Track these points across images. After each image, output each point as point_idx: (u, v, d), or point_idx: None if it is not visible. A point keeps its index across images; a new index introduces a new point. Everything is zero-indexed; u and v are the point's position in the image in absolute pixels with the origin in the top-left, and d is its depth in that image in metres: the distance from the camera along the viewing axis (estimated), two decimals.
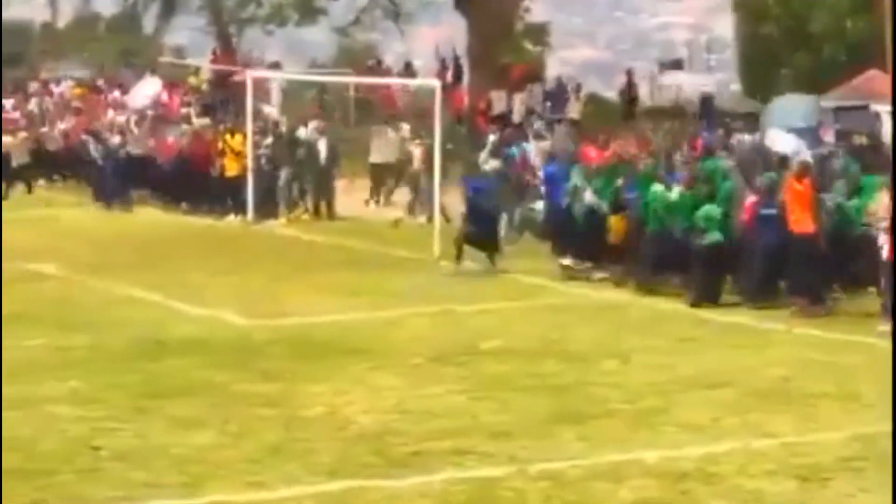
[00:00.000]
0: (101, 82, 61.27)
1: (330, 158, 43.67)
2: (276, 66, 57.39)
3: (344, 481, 17.30)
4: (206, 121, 50.27)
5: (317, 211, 43.49)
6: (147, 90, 55.50)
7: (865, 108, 43.82)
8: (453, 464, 18.12)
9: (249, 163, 42.69)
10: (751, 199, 29.58)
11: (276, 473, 17.75)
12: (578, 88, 50.23)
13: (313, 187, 43.80)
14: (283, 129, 45.60)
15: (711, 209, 29.34)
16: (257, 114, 45.89)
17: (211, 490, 17.07)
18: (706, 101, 48.81)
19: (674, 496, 16.66)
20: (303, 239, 38.96)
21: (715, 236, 29.03)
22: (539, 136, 42.69)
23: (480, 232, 33.07)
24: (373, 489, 17.09)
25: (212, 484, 17.31)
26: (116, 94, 58.19)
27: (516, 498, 16.72)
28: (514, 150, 39.57)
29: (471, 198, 34.10)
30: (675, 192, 30.28)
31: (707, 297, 28.87)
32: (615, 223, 31.54)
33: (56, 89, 60.97)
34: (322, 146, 43.73)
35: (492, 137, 39.84)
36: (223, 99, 54.73)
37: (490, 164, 37.77)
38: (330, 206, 43.80)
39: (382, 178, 46.35)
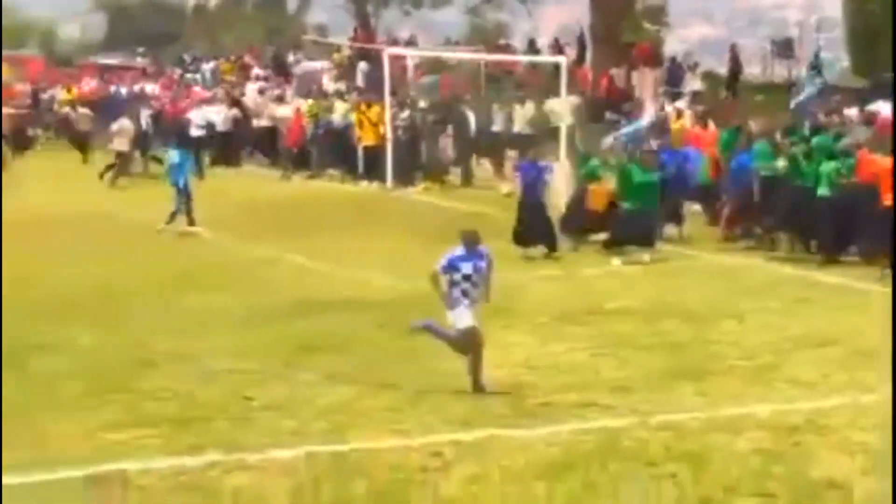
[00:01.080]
0: (247, 59, 61.45)
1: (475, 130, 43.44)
2: (411, 43, 57.35)
3: (478, 430, 17.41)
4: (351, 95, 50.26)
5: (469, 180, 43.17)
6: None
7: None
8: (578, 415, 18.18)
9: (389, 133, 42.70)
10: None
11: (415, 422, 17.88)
12: (695, 66, 49.96)
13: (460, 157, 43.59)
14: (422, 103, 45.55)
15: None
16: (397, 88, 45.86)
17: (354, 437, 17.21)
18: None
19: (787, 448, 16.62)
20: (439, 205, 38.93)
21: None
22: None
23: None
24: (505, 438, 17.19)
25: (354, 432, 17.47)
26: (258, 70, 58.49)
27: (638, 447, 16.74)
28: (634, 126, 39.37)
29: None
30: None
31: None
32: None
33: (206, 66, 61.43)
34: (471, 119, 43.59)
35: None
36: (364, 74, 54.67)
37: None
38: (467, 174, 43.62)
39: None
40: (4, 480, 15.12)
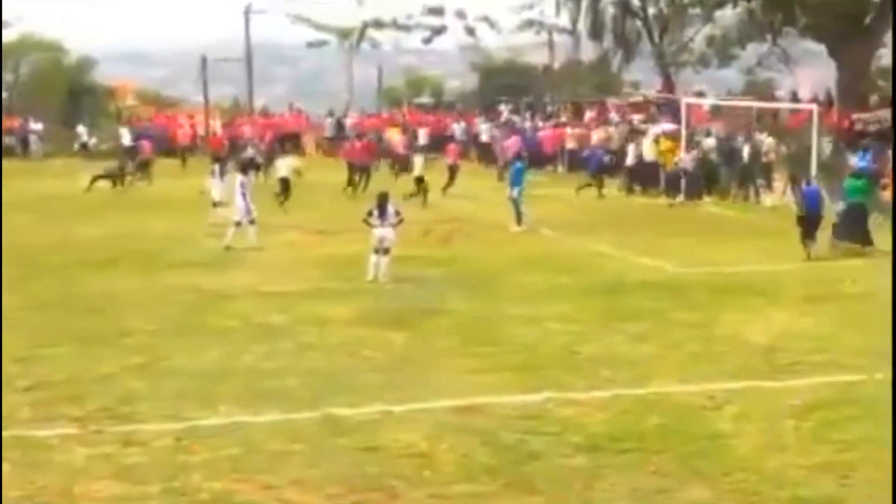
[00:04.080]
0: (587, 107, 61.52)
1: (752, 159, 42.41)
2: (700, 94, 56.56)
3: (742, 381, 17.15)
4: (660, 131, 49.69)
5: (746, 197, 42.10)
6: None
7: None
8: (821, 372, 17.76)
9: (683, 159, 42.10)
10: None
11: (696, 374, 17.68)
12: None
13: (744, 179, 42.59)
14: (713, 138, 44.78)
15: None
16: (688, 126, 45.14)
17: (653, 384, 17.09)
18: None
19: None
20: (726, 215, 38.34)
21: None
22: None
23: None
24: (762, 388, 16.90)
25: (653, 380, 17.34)
26: (593, 114, 58.44)
27: (867, 396, 16.31)
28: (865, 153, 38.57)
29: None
30: None
31: None
32: None
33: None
34: (745, 149, 42.65)
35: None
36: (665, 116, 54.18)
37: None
38: (756, 192, 42.41)
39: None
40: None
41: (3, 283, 23.64)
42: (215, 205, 33.84)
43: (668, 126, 48.56)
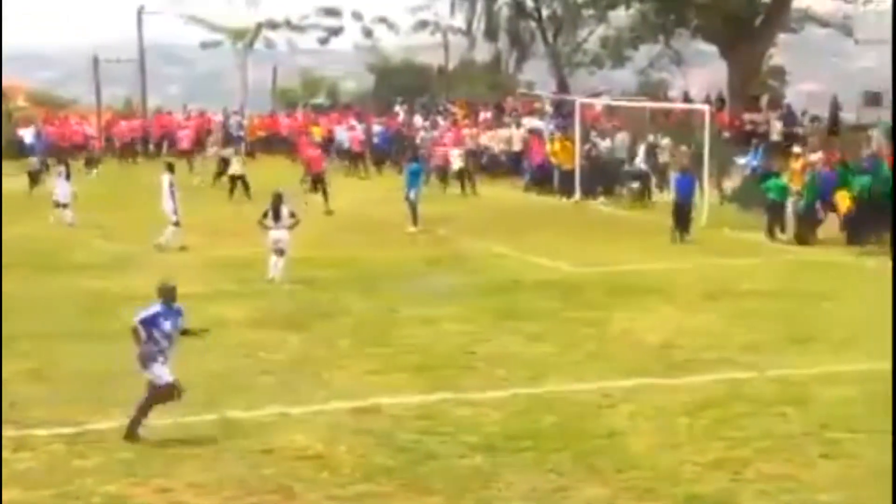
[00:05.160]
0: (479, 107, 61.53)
1: (647, 159, 42.64)
2: (597, 95, 56.86)
3: (636, 379, 17.29)
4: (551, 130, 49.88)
5: (640, 197, 42.26)
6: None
7: None
8: (714, 369, 17.95)
9: (577, 160, 42.28)
10: None
11: (592, 373, 17.80)
12: (804, 113, 49.32)
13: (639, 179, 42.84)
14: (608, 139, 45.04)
15: None
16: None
17: (549, 383, 17.17)
18: None
19: (871, 395, 16.29)
20: (615, 214, 38.63)
21: None
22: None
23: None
24: (656, 385, 17.05)
25: (549, 379, 17.42)
26: (487, 114, 58.46)
27: (756, 393, 16.53)
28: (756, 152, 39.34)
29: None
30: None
31: None
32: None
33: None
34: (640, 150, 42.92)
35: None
36: (561, 116, 54.44)
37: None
38: (650, 192, 42.60)
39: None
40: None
41: None
42: (58, 206, 33.58)
43: (554, 126, 49.12)
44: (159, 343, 14.61)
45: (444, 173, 45.44)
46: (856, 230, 30.95)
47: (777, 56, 60.07)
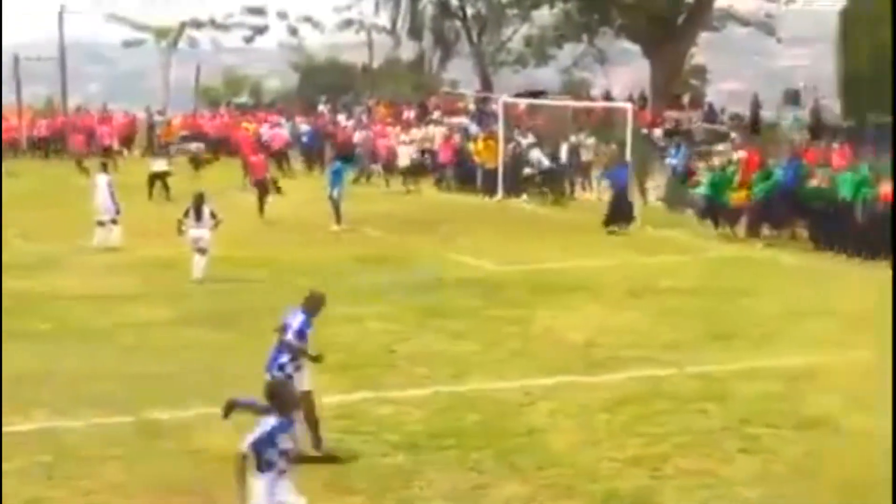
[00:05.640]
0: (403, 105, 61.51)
1: (570, 157, 42.91)
2: (536, 94, 56.88)
3: (558, 377, 17.40)
4: (475, 129, 49.95)
5: (562, 195, 42.32)
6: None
7: None
8: (635, 367, 18.10)
9: (500, 158, 42.34)
10: None
11: (514, 371, 17.89)
12: (723, 111, 49.84)
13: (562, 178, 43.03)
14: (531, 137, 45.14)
15: None
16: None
17: (471, 381, 17.25)
18: (817, 119, 47.79)
19: (787, 391, 16.53)
20: (538, 212, 38.78)
21: None
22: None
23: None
24: (577, 383, 17.18)
25: (471, 377, 17.50)
26: (411, 113, 58.42)
27: (676, 390, 16.70)
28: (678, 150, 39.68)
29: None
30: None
31: None
32: None
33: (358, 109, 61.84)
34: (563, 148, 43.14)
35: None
36: (483, 115, 54.55)
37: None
38: (572, 190, 42.76)
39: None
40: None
41: None
42: None
43: (475, 125, 49.31)
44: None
45: (389, 170, 45.81)
46: (753, 224, 31.48)
47: (699, 55, 60.51)
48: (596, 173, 41.39)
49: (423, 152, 47.45)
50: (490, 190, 42.31)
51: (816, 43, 69.86)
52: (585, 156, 43.08)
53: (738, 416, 15.32)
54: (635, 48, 52.32)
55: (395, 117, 57.39)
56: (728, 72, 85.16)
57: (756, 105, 49.54)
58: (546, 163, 41.39)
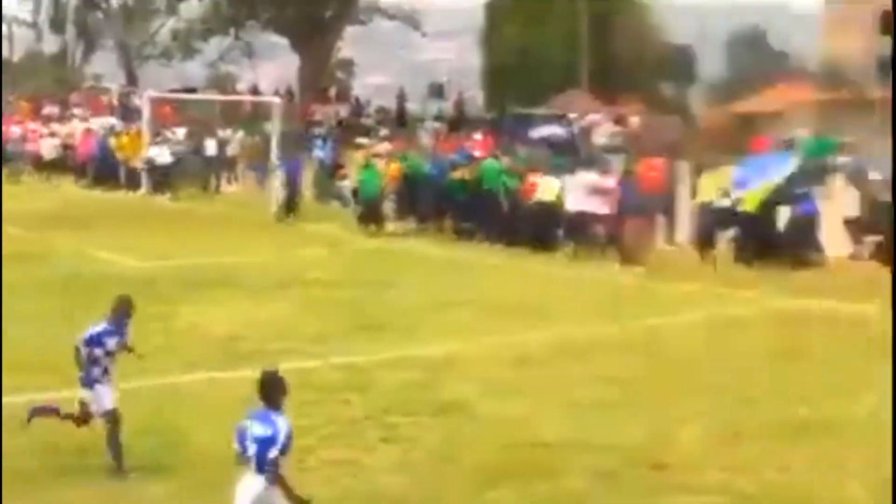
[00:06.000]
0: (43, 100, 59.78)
1: (217, 152, 42.57)
2: (174, 91, 56.23)
3: (203, 373, 17.17)
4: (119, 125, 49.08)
5: (205, 189, 42.05)
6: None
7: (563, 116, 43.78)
8: (281, 359, 17.96)
9: (143, 154, 41.68)
10: None
11: (159, 365, 17.47)
12: (369, 103, 50.51)
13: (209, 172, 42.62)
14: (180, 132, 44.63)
15: None
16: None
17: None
18: (461, 112, 48.88)
19: (427, 379, 16.72)
20: (191, 208, 38.26)
21: None
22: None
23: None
24: (220, 379, 16.95)
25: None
26: (54, 109, 56.85)
27: (322, 381, 16.68)
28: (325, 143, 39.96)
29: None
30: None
31: None
32: None
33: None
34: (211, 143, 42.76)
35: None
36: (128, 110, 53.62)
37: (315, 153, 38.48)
38: (218, 185, 42.59)
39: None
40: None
41: None
42: None
43: (114, 120, 48.55)
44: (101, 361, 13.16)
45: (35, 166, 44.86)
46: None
47: (346, 48, 61.09)
48: (241, 167, 41.27)
49: (65, 147, 46.29)
50: (134, 186, 41.60)
51: (461, 36, 71.37)
52: (231, 150, 42.85)
53: (381, 406, 15.40)
54: (283, 42, 52.43)
55: (36, 112, 55.72)
56: (374, 65, 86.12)
57: (402, 98, 50.31)
58: (167, 159, 40.99)
